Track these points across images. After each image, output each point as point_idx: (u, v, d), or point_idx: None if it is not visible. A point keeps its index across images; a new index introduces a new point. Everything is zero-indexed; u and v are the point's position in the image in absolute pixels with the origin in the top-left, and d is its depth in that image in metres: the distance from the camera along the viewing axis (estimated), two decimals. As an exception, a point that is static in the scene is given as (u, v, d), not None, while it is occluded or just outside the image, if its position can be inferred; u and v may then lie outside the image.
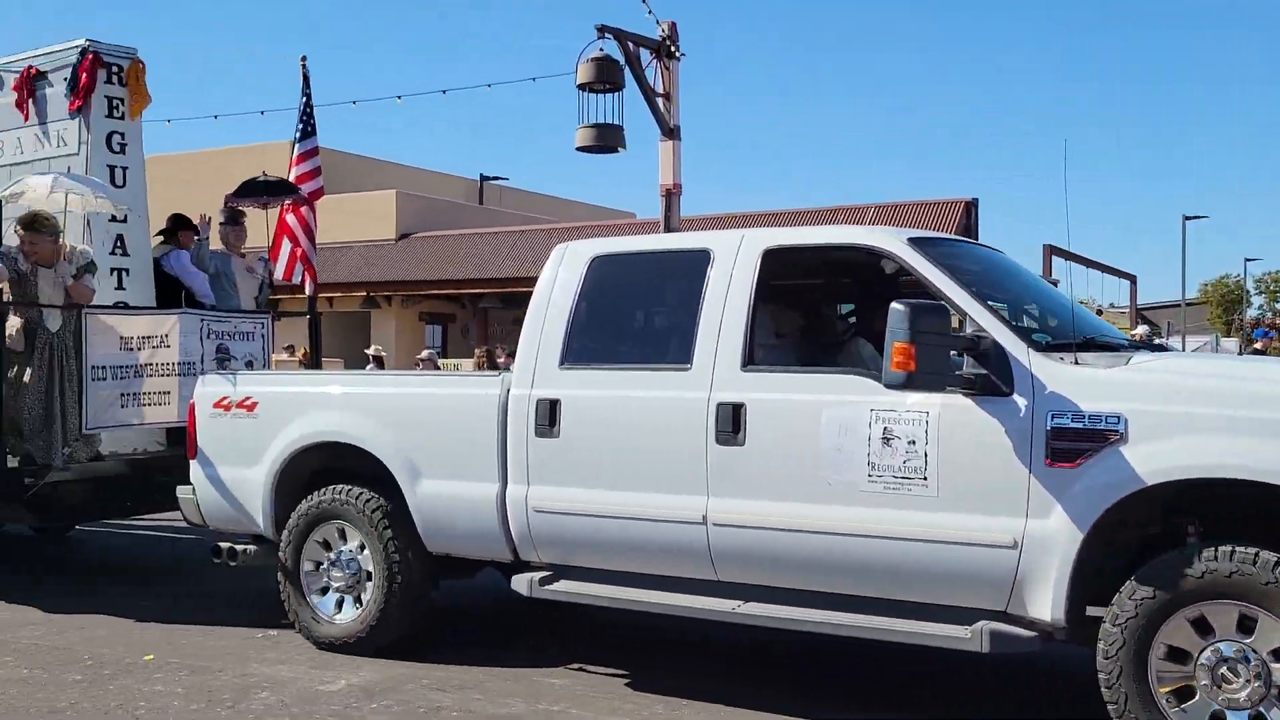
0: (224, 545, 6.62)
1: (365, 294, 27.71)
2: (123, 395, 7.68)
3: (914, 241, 4.95)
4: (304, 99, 9.18)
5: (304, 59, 9.18)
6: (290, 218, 9.23)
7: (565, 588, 5.46)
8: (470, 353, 24.17)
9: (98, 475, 7.63)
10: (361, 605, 6.03)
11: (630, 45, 13.60)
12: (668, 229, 13.81)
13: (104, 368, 7.56)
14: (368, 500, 5.97)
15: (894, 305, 4.36)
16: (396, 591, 5.88)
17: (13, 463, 7.19)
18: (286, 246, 9.22)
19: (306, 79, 9.17)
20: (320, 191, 9.28)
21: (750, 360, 5.05)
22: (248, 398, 6.46)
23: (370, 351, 18.79)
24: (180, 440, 8.43)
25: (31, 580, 8.14)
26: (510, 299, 27.50)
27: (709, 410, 5.02)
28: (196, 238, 8.64)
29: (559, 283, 5.67)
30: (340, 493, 6.07)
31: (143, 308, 8.23)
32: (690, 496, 5.06)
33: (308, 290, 9.29)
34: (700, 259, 5.32)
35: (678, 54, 13.63)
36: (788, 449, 4.86)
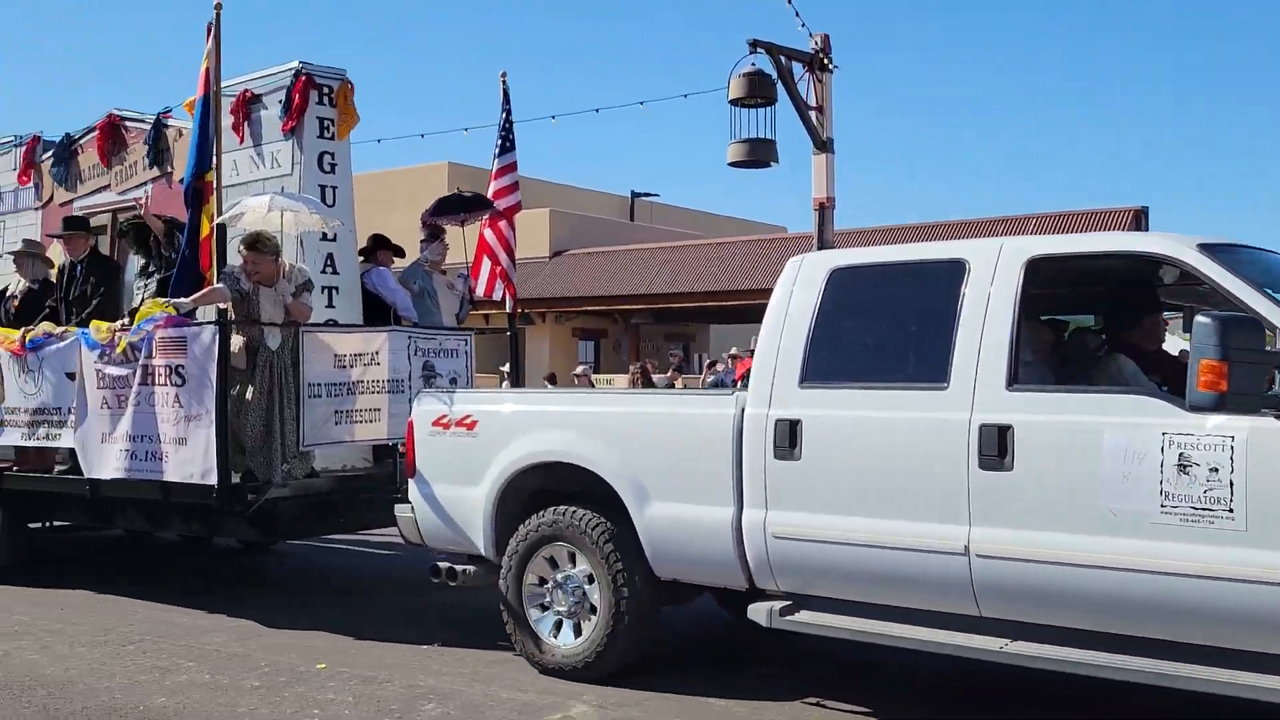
0: (443, 565, 6.55)
1: (520, 310, 27.93)
2: (336, 412, 7.75)
3: (1205, 248, 4.51)
4: (504, 114, 9.16)
5: (504, 75, 9.18)
6: (488, 233, 9.22)
7: (808, 619, 5.17)
8: (622, 368, 24.15)
9: (313, 492, 7.71)
10: (586, 631, 5.86)
11: (782, 59, 13.44)
12: (821, 244, 13.54)
13: (319, 385, 7.63)
14: (593, 523, 5.81)
15: (1201, 319, 3.95)
16: (623, 617, 5.69)
17: (235, 479, 7.30)
18: (486, 263, 9.21)
19: (506, 95, 9.15)
20: (518, 206, 9.24)
21: (1015, 379, 4.68)
22: (467, 416, 6.39)
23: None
24: (385, 458, 8.54)
25: (223, 590, 8.39)
26: (662, 314, 27.41)
27: (971, 432, 4.68)
28: (422, 253, 8.75)
29: (795, 297, 5.40)
30: (564, 514, 5.93)
31: (354, 325, 8.31)
32: (950, 525, 4.72)
33: (508, 308, 9.24)
34: (954, 270, 4.98)
35: (831, 66, 13.38)
36: (1063, 475, 4.48)
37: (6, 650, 6.64)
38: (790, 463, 5.16)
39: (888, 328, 5.34)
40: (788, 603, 5.27)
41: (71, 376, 8.02)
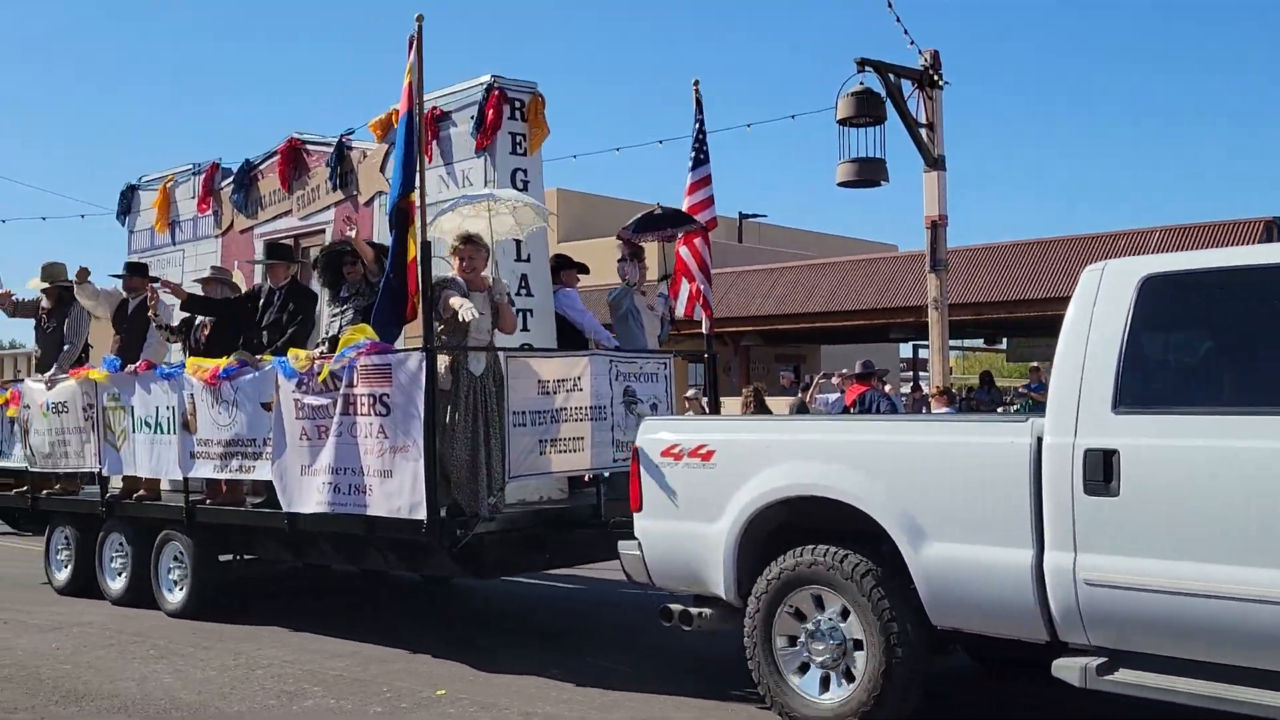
0: (675, 608, 6.05)
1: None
2: (540, 441, 7.34)
3: None
4: (697, 125, 8.68)
5: (696, 83, 8.71)
6: (683, 251, 8.75)
7: (1134, 679, 4.50)
8: (733, 390, 23.48)
9: (520, 526, 7.30)
10: (849, 684, 5.28)
11: (891, 77, 13.07)
12: (934, 262, 13.08)
13: (524, 413, 7.24)
14: (857, 565, 5.24)
15: None
16: (894, 670, 5.09)
17: (440, 512, 6.89)
18: (684, 283, 8.73)
19: (699, 104, 8.68)
20: (714, 222, 8.73)
21: (1401, 401, 3.98)
22: (702, 445, 5.88)
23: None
24: (577, 489, 8.13)
25: (351, 616, 8.30)
26: (771, 336, 26.71)
27: (1348, 465, 3.98)
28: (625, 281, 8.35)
29: (1100, 310, 4.75)
30: (823, 554, 5.36)
31: (553, 349, 7.91)
32: (1322, 573, 4.02)
33: (704, 329, 8.73)
34: (1306, 275, 4.29)
35: (941, 82, 12.89)
36: None
37: (144, 675, 6.82)
38: (1106, 499, 4.51)
39: (1220, 343, 4.65)
40: (1103, 659, 4.61)
41: (267, 407, 7.78)
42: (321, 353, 7.49)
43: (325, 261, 7.84)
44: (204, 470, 8.34)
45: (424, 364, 6.78)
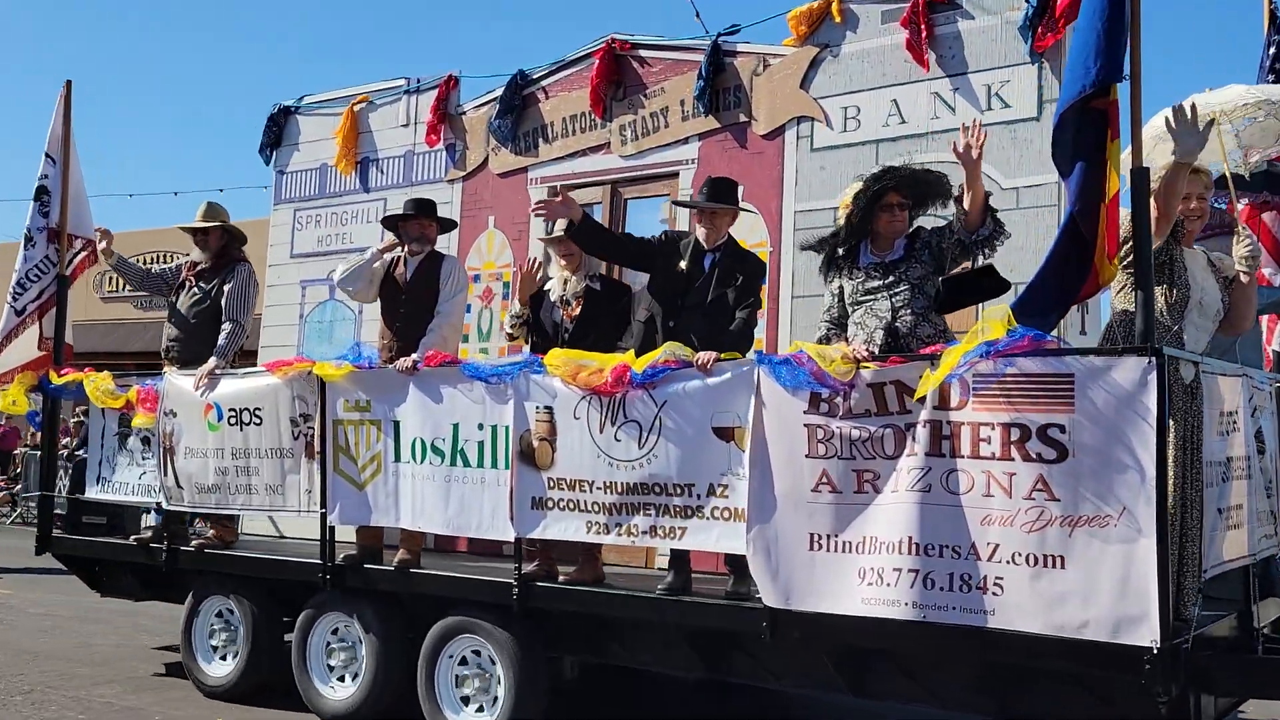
0: None
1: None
2: (1219, 512, 4.56)
3: None
4: (1272, 46, 6.02)
5: (1271, -8, 6.06)
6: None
7: None
8: None
9: (1206, 647, 4.48)
10: None
11: None
12: None
13: (1211, 464, 4.45)
14: None
15: None
16: None
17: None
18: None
19: (1274, 16, 6.02)
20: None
21: None
22: None
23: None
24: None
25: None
26: None
27: None
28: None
29: None
30: None
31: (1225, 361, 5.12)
32: None
33: (1275, 344, 6.03)
34: None
35: None
36: None
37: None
38: None
39: None
40: None
41: (725, 435, 4.78)
42: (871, 351, 4.54)
43: (866, 203, 4.78)
44: (564, 528, 5.21)
45: (1150, 375, 3.93)
